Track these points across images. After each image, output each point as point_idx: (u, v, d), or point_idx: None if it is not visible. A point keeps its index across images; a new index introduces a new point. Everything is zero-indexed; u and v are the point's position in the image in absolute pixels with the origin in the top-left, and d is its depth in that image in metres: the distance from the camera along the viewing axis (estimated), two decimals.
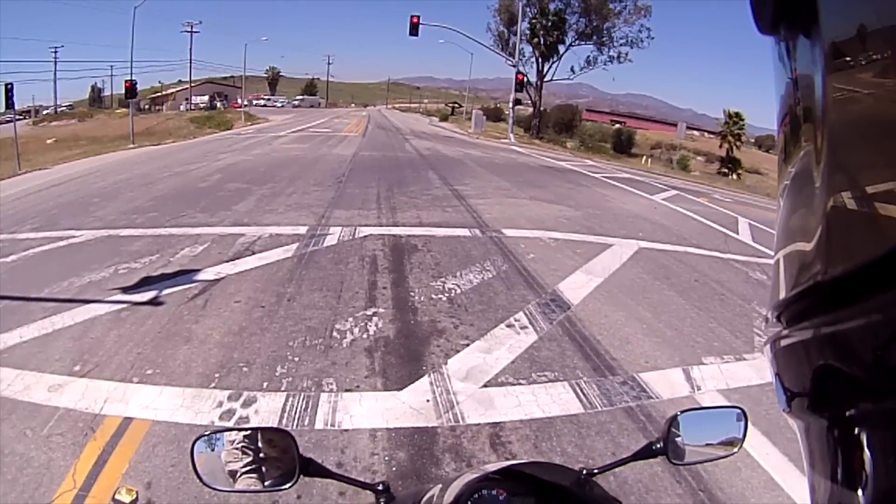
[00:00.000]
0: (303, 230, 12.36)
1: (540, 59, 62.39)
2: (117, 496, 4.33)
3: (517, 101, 55.57)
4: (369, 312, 8.00)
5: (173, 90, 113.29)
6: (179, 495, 4.31)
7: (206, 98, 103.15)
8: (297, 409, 5.54)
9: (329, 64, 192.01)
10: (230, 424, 5.24)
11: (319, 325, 7.50)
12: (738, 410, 2.06)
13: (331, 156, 29.21)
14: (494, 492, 1.64)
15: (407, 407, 5.68)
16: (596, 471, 1.87)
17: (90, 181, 21.03)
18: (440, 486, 1.80)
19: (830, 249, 0.66)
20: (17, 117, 33.80)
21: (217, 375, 6.12)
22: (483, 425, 5.48)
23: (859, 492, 0.63)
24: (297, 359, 6.56)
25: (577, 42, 62.58)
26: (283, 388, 5.90)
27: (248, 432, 1.90)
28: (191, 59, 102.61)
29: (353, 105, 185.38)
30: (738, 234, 17.47)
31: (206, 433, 1.80)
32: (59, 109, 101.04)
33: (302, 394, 5.81)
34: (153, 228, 12.42)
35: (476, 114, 69.86)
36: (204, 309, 7.94)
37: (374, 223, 13.34)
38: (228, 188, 17.99)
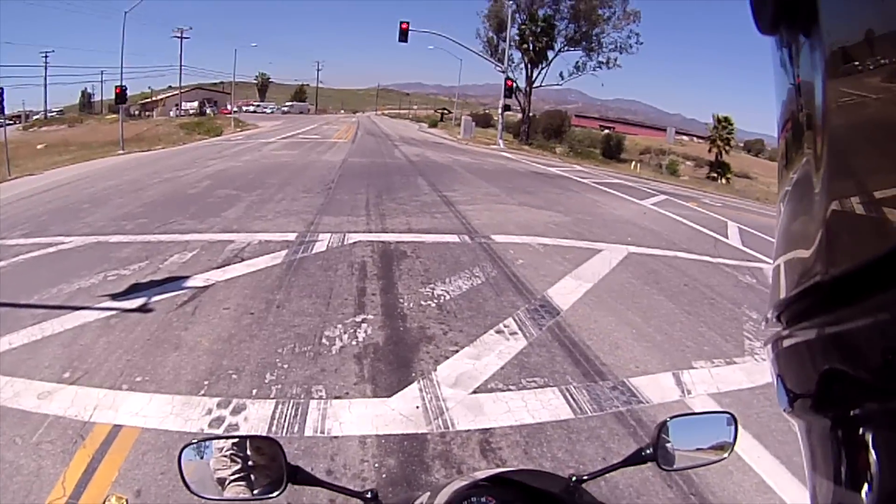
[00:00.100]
0: (292, 237, 12.33)
1: (529, 65, 62.67)
2: None
3: (506, 107, 55.65)
4: (358, 319, 7.98)
5: (163, 96, 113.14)
6: (169, 503, 4.30)
7: (195, 104, 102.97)
8: (286, 416, 5.52)
9: (318, 70, 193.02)
10: (219, 432, 5.22)
11: (309, 332, 7.48)
12: (728, 415, 2.06)
13: (320, 162, 29.20)
14: (483, 499, 1.64)
15: (396, 414, 5.66)
16: (586, 477, 1.87)
17: (80, 187, 20.97)
18: (429, 493, 1.80)
19: (831, 252, 0.66)
20: (7, 122, 33.68)
21: (206, 383, 6.10)
22: (473, 431, 5.47)
23: (863, 493, 0.63)
24: (286, 366, 6.55)
25: (566, 48, 62.94)
26: (272, 396, 5.88)
27: (237, 440, 1.90)
28: (181, 65, 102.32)
29: (342, 111, 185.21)
30: (727, 238, 17.55)
31: (194, 441, 1.79)
32: (49, 115, 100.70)
33: (291, 401, 5.79)
34: (142, 235, 12.37)
35: (465, 120, 69.98)
36: (193, 316, 7.92)
37: (363, 229, 13.33)
38: (218, 194, 17.93)
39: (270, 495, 1.77)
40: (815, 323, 0.70)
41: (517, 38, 60.00)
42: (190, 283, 9.20)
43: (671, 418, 1.94)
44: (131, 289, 8.90)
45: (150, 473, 4.63)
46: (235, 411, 5.58)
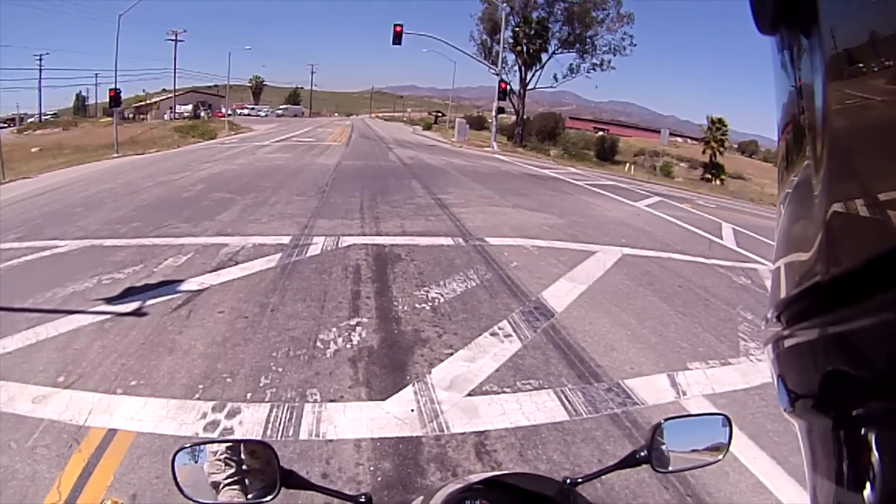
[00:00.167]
0: (286, 240, 12.32)
1: (523, 68, 62.76)
2: None
3: (500, 110, 55.65)
4: (353, 322, 7.98)
5: (157, 99, 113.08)
6: None
7: (189, 107, 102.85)
8: (281, 419, 5.51)
9: (313, 73, 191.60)
10: (214, 436, 5.21)
11: (303, 336, 7.47)
12: (723, 417, 2.06)
13: (314, 165, 29.19)
14: (477, 502, 1.64)
15: (391, 417, 5.66)
16: (580, 479, 1.87)
17: (74, 190, 20.90)
18: (422, 497, 1.80)
19: (831, 253, 0.66)
20: (1, 125, 33.68)
21: (201, 386, 6.09)
22: (468, 434, 5.47)
23: (865, 493, 0.62)
24: (280, 369, 6.54)
25: (559, 50, 63.06)
26: (266, 399, 5.88)
27: (231, 444, 1.90)
28: (175, 68, 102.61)
29: (336, 114, 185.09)
30: (721, 239, 17.58)
31: (187, 445, 1.79)
32: (43, 118, 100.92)
33: (286, 404, 5.78)
34: (137, 238, 12.35)
35: (459, 122, 70.05)
36: (187, 320, 7.90)
37: (357, 233, 13.32)
38: (212, 198, 17.91)
39: (264, 499, 1.77)
40: (816, 323, 0.70)
41: (511, 40, 60.17)
42: (184, 286, 9.19)
43: (665, 420, 1.94)
44: (126, 292, 8.88)
45: (146, 477, 4.61)
46: (230, 415, 5.57)
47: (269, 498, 1.74)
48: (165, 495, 4.35)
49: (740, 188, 55.55)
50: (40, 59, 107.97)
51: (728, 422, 2.03)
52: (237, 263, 10.50)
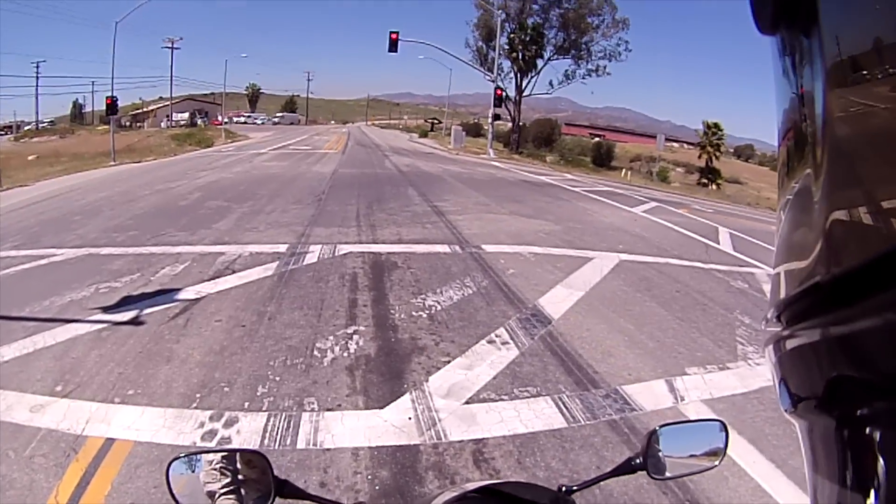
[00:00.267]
0: (283, 248, 12.32)
1: (518, 74, 62.82)
2: None
3: (496, 117, 55.65)
4: (350, 331, 7.97)
5: (154, 107, 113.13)
6: None
7: (186, 115, 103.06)
8: (278, 428, 5.51)
9: (309, 80, 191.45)
10: (212, 445, 5.20)
11: (300, 344, 7.47)
12: (719, 423, 2.05)
13: (311, 173, 29.18)
14: None
15: (389, 425, 5.65)
16: (575, 487, 1.87)
17: (71, 198, 20.88)
18: None
19: (831, 258, 0.66)
20: None
21: (198, 395, 6.08)
22: (466, 442, 5.46)
23: (868, 495, 0.62)
24: (278, 378, 6.53)
25: (555, 56, 63.15)
26: (264, 408, 5.86)
27: (226, 454, 1.89)
28: (171, 76, 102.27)
29: (332, 122, 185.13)
30: (718, 243, 17.63)
31: (182, 455, 1.78)
32: (40, 125, 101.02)
33: (283, 413, 5.77)
34: (134, 247, 12.35)
35: (455, 130, 70.00)
36: (185, 328, 7.89)
37: (353, 241, 13.32)
38: (209, 206, 17.91)
39: None
40: (817, 323, 0.70)
41: (506, 47, 60.18)
42: (181, 295, 9.18)
43: (661, 427, 1.94)
44: (123, 301, 8.87)
45: (143, 487, 4.61)
46: (228, 424, 5.56)
47: None
48: None
49: (737, 192, 55.68)
50: (37, 67, 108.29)
51: (724, 428, 2.03)
52: (234, 272, 10.50)
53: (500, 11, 57.75)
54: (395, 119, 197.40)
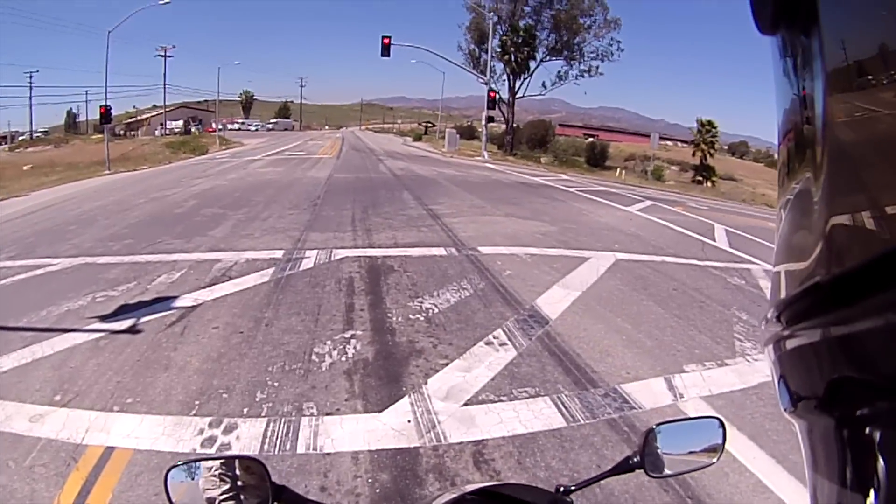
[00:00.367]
0: (279, 254, 12.31)
1: (511, 76, 62.96)
2: None
3: (490, 119, 55.80)
4: (347, 335, 7.97)
5: (148, 115, 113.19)
6: None
7: (180, 123, 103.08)
8: (278, 434, 5.50)
9: (302, 86, 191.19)
10: (212, 452, 5.19)
11: (298, 350, 7.46)
12: (716, 420, 2.05)
13: (305, 179, 29.16)
14: None
15: (388, 428, 5.65)
16: (573, 488, 1.87)
17: (67, 208, 20.87)
18: None
19: (831, 256, 0.66)
20: None
21: (197, 402, 6.07)
22: (465, 444, 5.46)
23: (867, 494, 0.62)
24: (276, 384, 6.52)
25: (547, 58, 63.39)
26: (263, 414, 5.86)
27: (225, 460, 1.89)
28: (165, 84, 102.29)
29: (327, 127, 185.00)
30: (714, 241, 17.68)
31: (180, 463, 1.78)
32: (34, 135, 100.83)
33: (283, 419, 5.76)
34: (130, 255, 12.33)
35: (449, 132, 70.05)
36: (182, 336, 7.88)
37: (349, 245, 13.30)
38: (204, 213, 17.89)
39: None
40: (817, 323, 0.70)
41: (499, 49, 60.36)
42: (178, 302, 9.17)
43: (658, 425, 1.94)
44: (120, 310, 8.86)
45: (144, 495, 4.60)
46: (227, 430, 5.55)
47: None
48: None
49: (732, 189, 55.77)
50: (30, 77, 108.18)
51: (721, 425, 2.03)
52: (231, 279, 10.49)
53: (492, 14, 57.86)
54: (389, 123, 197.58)
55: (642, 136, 78.94)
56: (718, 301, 10.65)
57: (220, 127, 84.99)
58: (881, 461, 0.61)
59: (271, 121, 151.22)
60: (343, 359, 7.22)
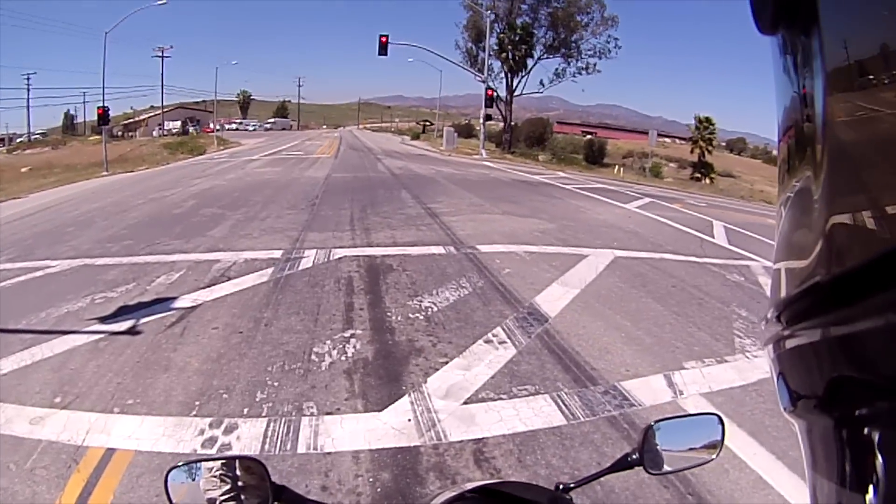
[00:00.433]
0: (278, 254, 12.31)
1: (509, 74, 62.87)
2: None
3: (488, 117, 55.68)
4: (347, 334, 7.97)
5: (146, 116, 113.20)
6: None
7: (178, 123, 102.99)
8: (278, 434, 5.50)
9: (299, 86, 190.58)
10: (213, 452, 5.19)
11: (298, 349, 7.46)
12: (715, 416, 2.05)
13: (304, 178, 29.13)
14: None
15: (389, 427, 5.65)
16: (572, 485, 1.87)
17: (65, 210, 20.90)
18: None
19: (832, 256, 0.66)
20: None
21: (197, 403, 6.07)
22: (466, 442, 5.46)
23: (868, 494, 0.62)
24: (276, 383, 6.52)
25: (545, 55, 63.26)
26: (263, 414, 5.86)
27: (225, 461, 1.90)
28: (162, 85, 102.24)
29: (324, 126, 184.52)
30: (713, 237, 17.67)
31: (180, 464, 1.79)
32: (32, 137, 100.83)
33: (283, 418, 5.76)
34: (129, 256, 12.34)
35: (447, 131, 69.89)
36: (182, 336, 7.88)
37: (348, 245, 13.30)
38: (203, 214, 17.88)
39: None
40: (817, 323, 0.70)
41: (496, 47, 60.23)
42: (178, 303, 9.17)
43: (657, 422, 1.95)
44: (119, 311, 8.86)
45: (146, 496, 4.60)
46: (227, 431, 5.55)
47: None
48: None
49: (730, 186, 55.84)
50: (28, 79, 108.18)
51: (720, 421, 2.03)
52: (230, 279, 10.49)
53: (489, 12, 57.77)
54: (387, 122, 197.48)
55: (640, 134, 79.12)
56: (717, 298, 10.65)
57: (217, 127, 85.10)
58: (880, 461, 0.61)
59: (269, 121, 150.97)
60: (343, 358, 7.22)
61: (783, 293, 0.84)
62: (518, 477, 4.92)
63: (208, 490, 1.78)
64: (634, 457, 1.89)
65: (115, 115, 70.89)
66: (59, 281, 10.79)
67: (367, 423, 5.74)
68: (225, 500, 1.78)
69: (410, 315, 8.75)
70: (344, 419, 5.79)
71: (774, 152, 0.95)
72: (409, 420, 5.80)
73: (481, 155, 52.93)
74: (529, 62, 62.51)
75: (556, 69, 64.58)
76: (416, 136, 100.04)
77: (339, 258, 11.99)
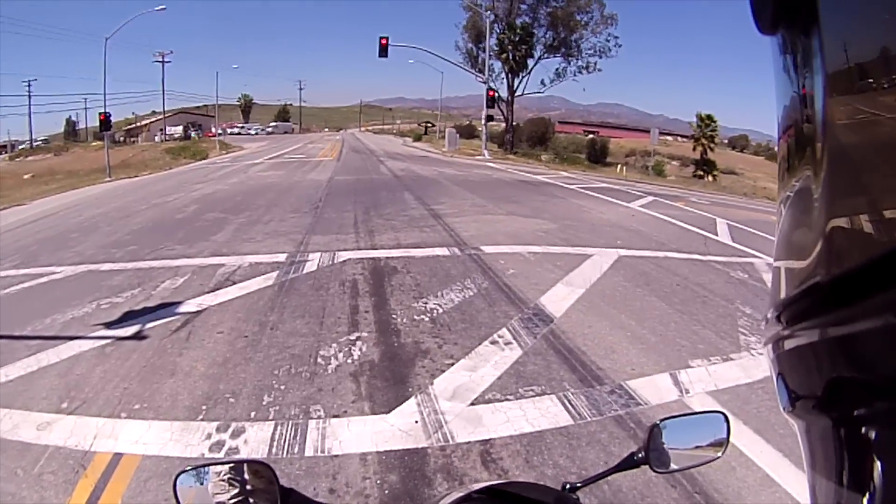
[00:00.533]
0: (282, 258, 12.32)
1: (510, 74, 62.80)
2: None
3: (489, 118, 55.62)
4: (352, 337, 7.97)
5: (147, 121, 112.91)
6: None
7: (180, 128, 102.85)
8: (286, 437, 5.51)
9: (301, 89, 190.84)
10: (220, 456, 5.20)
11: (303, 353, 7.47)
12: (720, 414, 2.06)
13: (306, 181, 29.15)
14: None
15: (396, 429, 5.66)
16: (579, 484, 1.88)
17: (68, 216, 20.97)
18: None
19: (831, 257, 0.66)
20: None
21: (204, 407, 6.08)
22: (473, 443, 5.46)
23: (865, 493, 0.63)
24: (283, 387, 6.53)
25: (545, 55, 63.22)
26: (270, 417, 5.87)
27: (234, 465, 1.91)
28: (164, 90, 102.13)
29: (326, 129, 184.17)
30: (717, 235, 17.60)
31: (189, 468, 1.79)
32: (34, 144, 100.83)
33: (290, 422, 5.77)
34: (133, 262, 12.36)
35: (449, 132, 69.84)
36: (187, 341, 7.89)
37: (352, 247, 13.30)
38: (206, 218, 17.92)
39: None
40: (816, 323, 0.70)
41: (496, 47, 60.19)
42: (183, 308, 9.18)
43: (662, 420, 1.95)
44: (125, 316, 8.88)
45: (153, 501, 4.61)
46: (235, 435, 5.56)
47: None
48: None
49: (733, 183, 55.68)
50: (29, 85, 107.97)
51: (726, 419, 2.03)
52: (234, 283, 10.50)
53: (489, 12, 57.73)
54: (389, 124, 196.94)
55: (642, 132, 78.88)
56: (722, 296, 10.63)
57: (219, 131, 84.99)
58: (878, 461, 0.62)
59: (271, 124, 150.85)
60: (349, 361, 7.23)
61: (783, 293, 0.84)
62: (525, 477, 4.92)
63: (217, 494, 1.79)
64: (641, 455, 1.90)
65: (117, 120, 71.11)
66: (63, 287, 10.82)
67: (375, 425, 5.75)
68: None
69: (416, 317, 8.75)
70: (351, 422, 5.79)
71: (776, 149, 0.95)
72: (416, 422, 5.80)
73: (484, 156, 52.87)
74: (530, 62, 62.55)
75: (557, 69, 64.81)
76: (417, 138, 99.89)
77: (344, 261, 12.00)
